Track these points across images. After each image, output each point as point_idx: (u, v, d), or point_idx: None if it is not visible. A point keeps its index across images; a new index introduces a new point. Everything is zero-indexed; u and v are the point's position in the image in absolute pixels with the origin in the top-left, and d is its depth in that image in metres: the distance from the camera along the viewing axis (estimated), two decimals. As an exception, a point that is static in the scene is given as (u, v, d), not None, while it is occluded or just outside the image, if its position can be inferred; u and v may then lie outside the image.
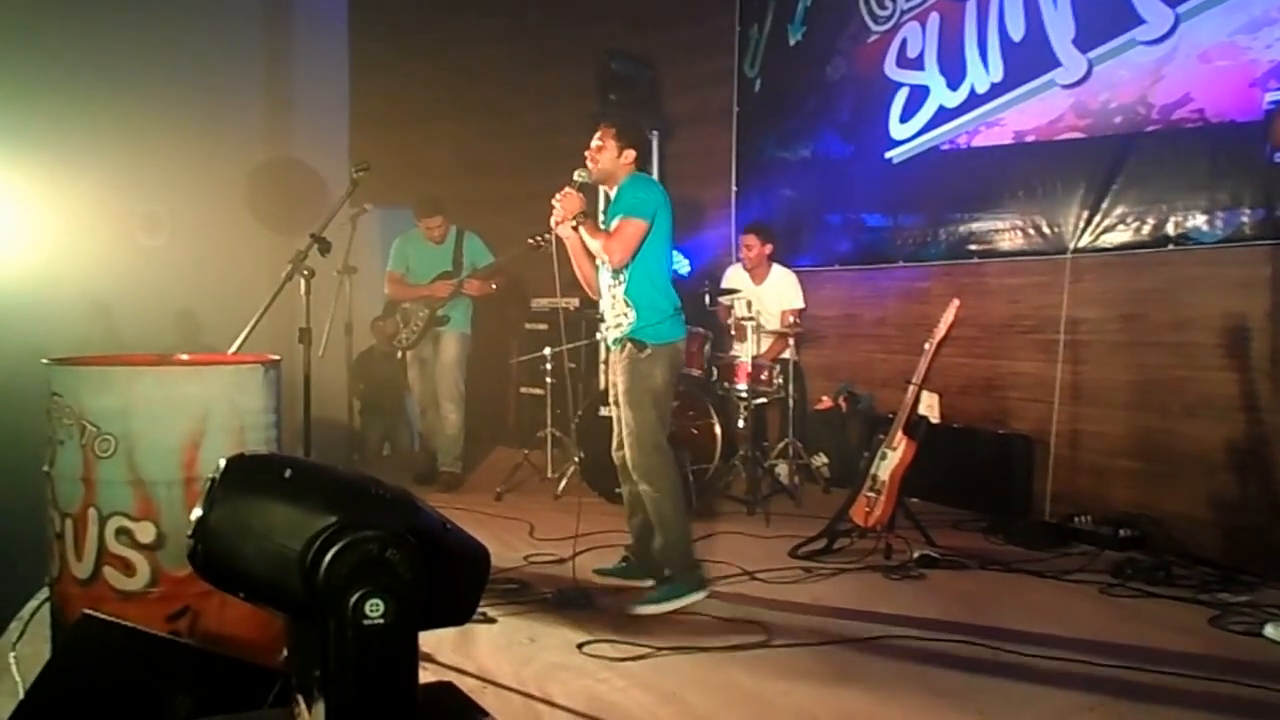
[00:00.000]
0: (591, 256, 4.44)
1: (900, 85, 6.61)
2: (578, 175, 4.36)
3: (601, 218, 4.59)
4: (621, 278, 4.29)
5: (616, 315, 4.34)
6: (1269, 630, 3.82)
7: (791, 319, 6.82)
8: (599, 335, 7.31)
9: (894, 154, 6.67)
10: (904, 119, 6.59)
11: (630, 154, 4.38)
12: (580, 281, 4.62)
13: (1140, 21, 5.19)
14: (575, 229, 4.32)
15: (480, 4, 9.65)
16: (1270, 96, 4.65)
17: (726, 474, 6.45)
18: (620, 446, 4.38)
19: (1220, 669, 3.46)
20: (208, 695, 2.31)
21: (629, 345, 4.27)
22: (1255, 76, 4.74)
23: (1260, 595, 4.18)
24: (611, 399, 4.45)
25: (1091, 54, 5.44)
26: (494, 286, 6.71)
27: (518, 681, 3.35)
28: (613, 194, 4.44)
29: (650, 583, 4.34)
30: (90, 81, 7.68)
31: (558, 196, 4.32)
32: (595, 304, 7.88)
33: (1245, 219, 4.82)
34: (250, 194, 8.68)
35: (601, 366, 7.51)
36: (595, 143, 4.39)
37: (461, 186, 8.61)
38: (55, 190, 7.28)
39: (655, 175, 8.13)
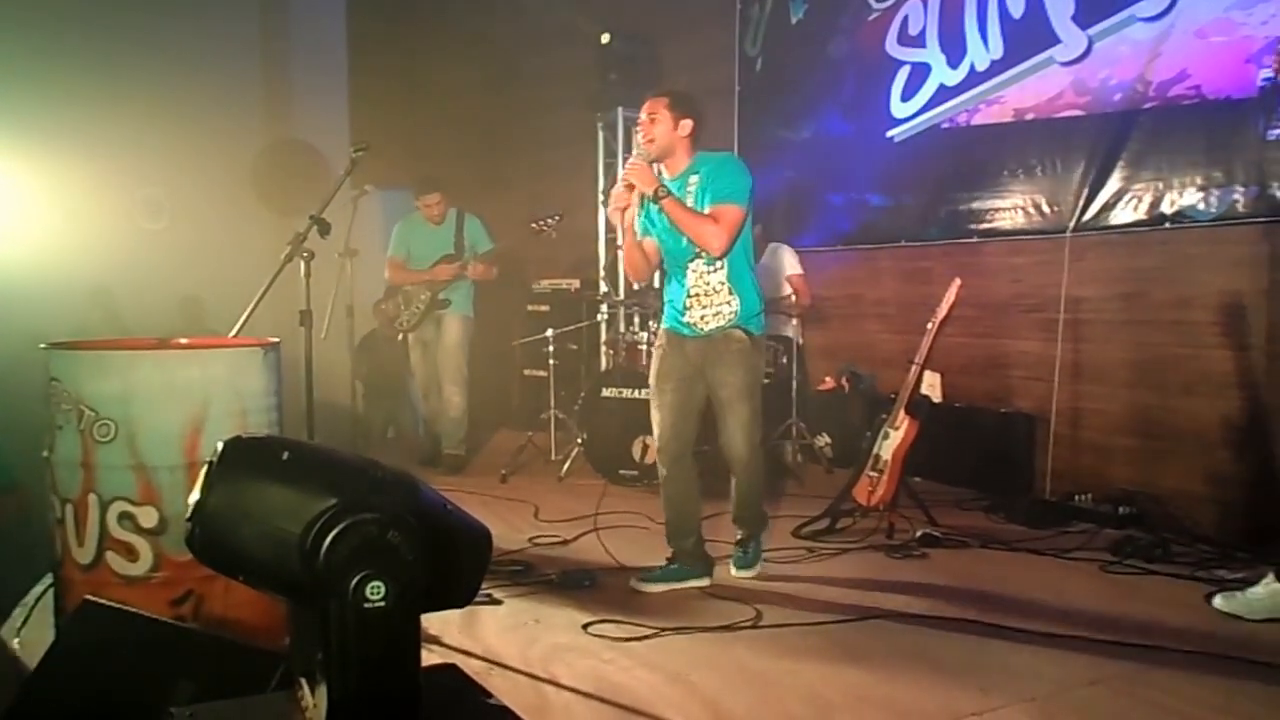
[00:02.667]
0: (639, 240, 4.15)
1: (902, 63, 6.57)
2: (639, 155, 4.01)
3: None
4: (720, 263, 4.04)
5: (716, 303, 4.07)
6: (1218, 601, 3.87)
7: (791, 291, 6.79)
8: (600, 316, 7.36)
9: (895, 133, 6.64)
10: (905, 97, 6.55)
11: (688, 124, 4.04)
12: (630, 268, 4.29)
13: (1139, -3, 5.17)
14: (659, 200, 3.93)
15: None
16: (1265, 73, 4.62)
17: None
18: (673, 441, 4.17)
19: (1217, 644, 3.48)
20: (210, 680, 2.32)
21: (739, 335, 4.06)
22: (1251, 53, 4.72)
23: (1256, 572, 4.17)
24: (671, 383, 4.17)
25: (1091, 31, 5.41)
26: (494, 272, 6.70)
27: (523, 663, 3.37)
28: (679, 178, 4.07)
29: (706, 581, 4.24)
30: (88, 65, 7.64)
31: (627, 168, 3.99)
32: (595, 284, 7.95)
33: (1238, 197, 4.80)
34: (253, 176, 8.66)
35: (605, 347, 7.52)
36: (644, 117, 4.06)
37: (462, 166, 8.59)
38: (55, 175, 7.25)
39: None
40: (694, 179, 4.06)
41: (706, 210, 3.98)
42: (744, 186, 4.01)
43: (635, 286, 6.32)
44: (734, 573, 4.31)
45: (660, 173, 4.09)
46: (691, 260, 4.09)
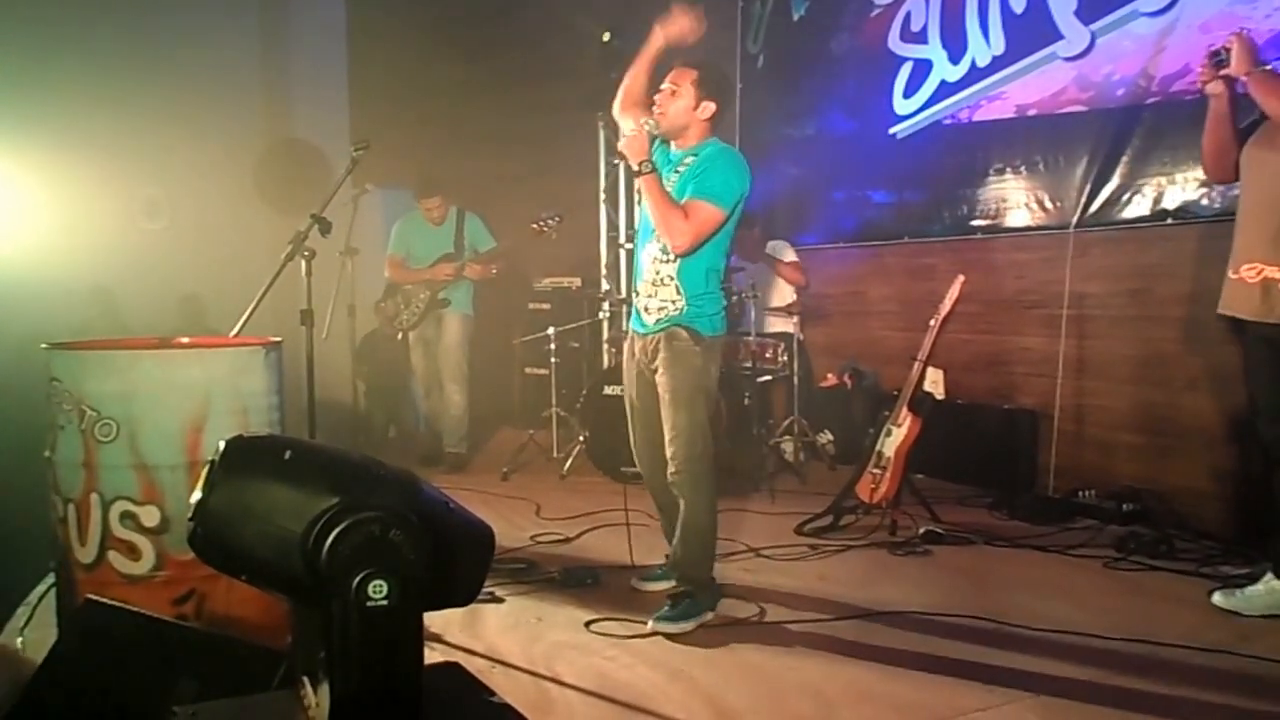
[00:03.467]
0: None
1: (904, 60, 6.56)
2: (645, 125, 3.65)
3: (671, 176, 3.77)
4: (673, 254, 3.63)
5: (661, 297, 3.69)
6: (1217, 598, 3.86)
7: (790, 284, 6.80)
8: (601, 314, 7.36)
9: (898, 129, 6.63)
10: (907, 94, 6.55)
11: (710, 107, 3.67)
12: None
13: (1142, -8, 5.16)
14: (640, 174, 3.60)
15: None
16: (1269, 67, 4.59)
17: (732, 452, 6.43)
18: (646, 449, 3.89)
19: (1219, 641, 3.47)
20: (213, 678, 2.32)
21: (682, 334, 3.64)
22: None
23: (1261, 568, 4.15)
24: (634, 391, 3.89)
25: (1094, 26, 5.40)
26: (494, 271, 6.71)
27: (526, 661, 3.36)
28: (681, 151, 3.76)
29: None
30: (88, 64, 7.64)
31: (628, 136, 3.67)
32: (597, 282, 7.94)
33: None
34: (256, 175, 8.67)
35: (606, 345, 7.52)
36: (667, 86, 3.68)
37: (462, 166, 8.58)
38: (55, 175, 7.26)
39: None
40: (689, 160, 3.71)
41: (685, 199, 3.61)
42: (732, 188, 3.61)
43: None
44: (650, 624, 3.64)
45: (656, 144, 3.79)
46: (649, 240, 3.75)
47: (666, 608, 3.70)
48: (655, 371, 3.74)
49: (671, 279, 3.67)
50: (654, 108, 3.72)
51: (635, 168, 3.62)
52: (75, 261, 7.18)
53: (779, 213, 7.25)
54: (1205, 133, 3.93)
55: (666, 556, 4.09)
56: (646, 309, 3.75)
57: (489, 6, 9.62)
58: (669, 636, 3.58)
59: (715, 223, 3.59)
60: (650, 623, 3.64)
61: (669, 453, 3.70)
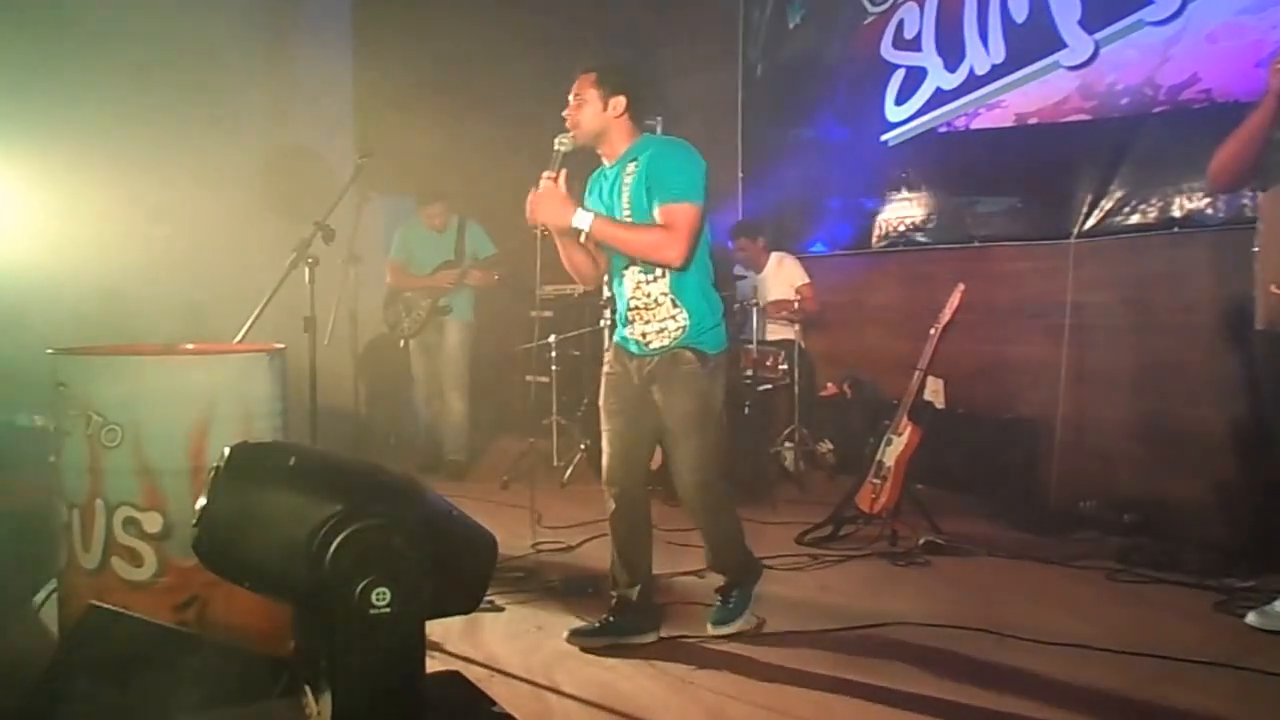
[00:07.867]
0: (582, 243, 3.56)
1: (897, 67, 6.57)
2: (559, 144, 3.48)
3: (608, 199, 3.55)
4: (659, 271, 3.42)
5: (659, 318, 3.46)
6: (1251, 618, 3.78)
7: (797, 300, 6.78)
8: (603, 321, 7.35)
9: (889, 136, 6.63)
10: (899, 101, 6.55)
11: (620, 101, 3.44)
12: (571, 271, 3.76)
13: (1148, 2, 5.15)
14: (581, 230, 3.40)
15: (483, -10, 9.64)
16: None
17: (731, 460, 6.41)
18: (620, 471, 3.60)
19: (1225, 654, 3.44)
20: (215, 686, 2.32)
21: (687, 356, 3.43)
22: (1261, 56, 4.70)
23: (1267, 580, 4.11)
24: (620, 407, 3.62)
25: (1098, 35, 5.40)
26: (496, 278, 6.72)
27: (526, 670, 3.36)
28: (617, 163, 3.51)
29: (651, 638, 3.66)
30: (94, 72, 7.65)
31: (530, 200, 3.48)
32: (599, 291, 7.93)
33: (1247, 201, 4.78)
34: (263, 183, 8.68)
35: (608, 353, 7.51)
36: (571, 99, 3.49)
37: (464, 174, 8.58)
38: (61, 182, 7.26)
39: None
40: (631, 166, 3.44)
41: (655, 211, 3.36)
42: (694, 177, 3.36)
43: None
44: (710, 629, 3.68)
45: (593, 177, 3.62)
46: (627, 266, 3.52)
47: (718, 606, 3.75)
48: (653, 391, 3.52)
49: (665, 295, 3.44)
50: (565, 124, 3.53)
51: (574, 235, 3.46)
52: (81, 267, 7.18)
53: (782, 222, 7.25)
54: (1241, 135, 3.74)
55: (610, 608, 3.71)
56: (644, 335, 3.51)
57: (492, 17, 9.63)
58: (652, 641, 3.61)
59: (697, 219, 3.34)
60: (709, 627, 3.69)
61: (679, 476, 3.54)
